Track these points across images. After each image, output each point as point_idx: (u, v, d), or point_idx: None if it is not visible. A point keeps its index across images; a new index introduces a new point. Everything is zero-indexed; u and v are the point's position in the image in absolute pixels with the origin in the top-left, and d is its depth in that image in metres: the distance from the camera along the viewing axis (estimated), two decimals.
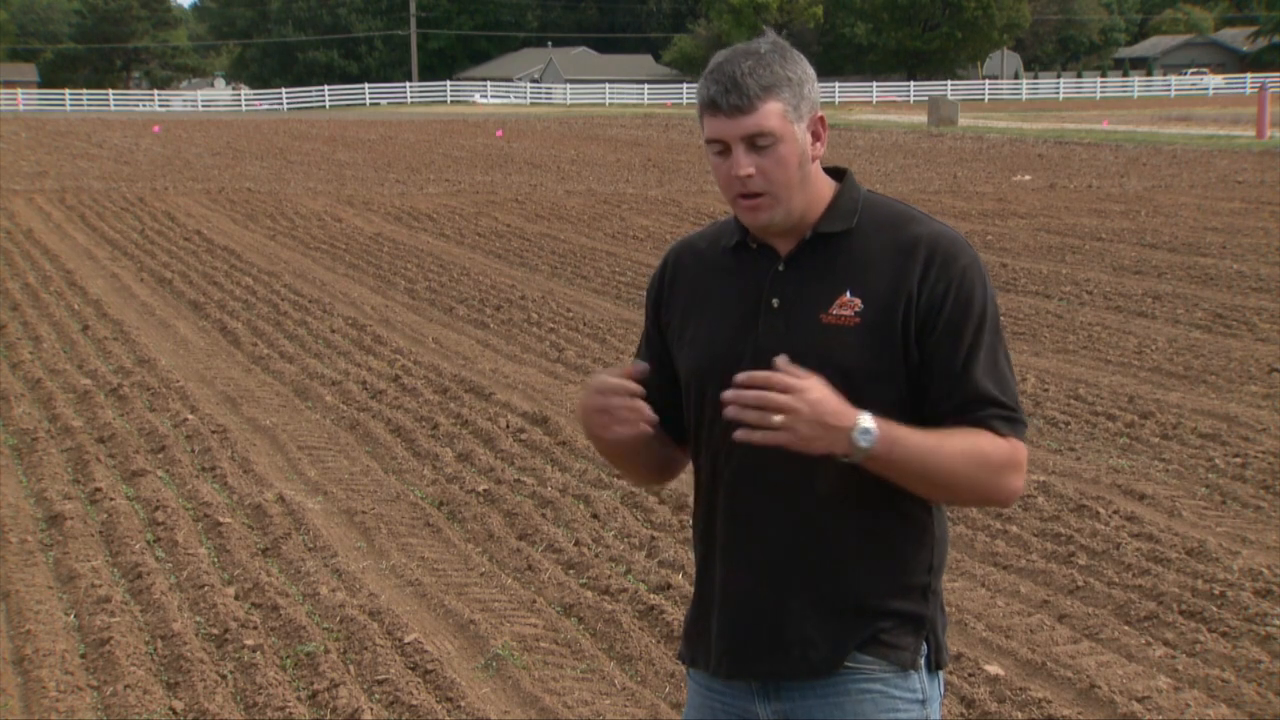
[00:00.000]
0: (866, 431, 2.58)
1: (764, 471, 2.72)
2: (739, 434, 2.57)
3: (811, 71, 2.74)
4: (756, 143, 2.68)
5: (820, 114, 2.75)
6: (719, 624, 2.82)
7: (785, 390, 2.54)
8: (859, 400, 2.63)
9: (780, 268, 2.77)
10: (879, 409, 2.66)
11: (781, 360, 2.57)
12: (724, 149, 2.70)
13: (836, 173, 2.83)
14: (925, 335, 2.69)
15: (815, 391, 2.55)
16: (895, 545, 2.75)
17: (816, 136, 2.75)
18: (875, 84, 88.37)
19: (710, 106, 2.69)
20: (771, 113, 2.67)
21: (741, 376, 2.56)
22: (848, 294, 2.71)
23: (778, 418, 2.53)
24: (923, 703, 2.78)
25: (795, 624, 2.74)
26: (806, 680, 2.75)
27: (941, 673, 2.84)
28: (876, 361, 2.69)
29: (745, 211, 2.74)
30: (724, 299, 2.81)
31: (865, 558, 2.74)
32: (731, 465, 2.77)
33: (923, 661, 2.78)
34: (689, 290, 2.88)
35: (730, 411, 2.56)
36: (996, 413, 2.69)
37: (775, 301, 2.75)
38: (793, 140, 2.70)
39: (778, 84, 2.67)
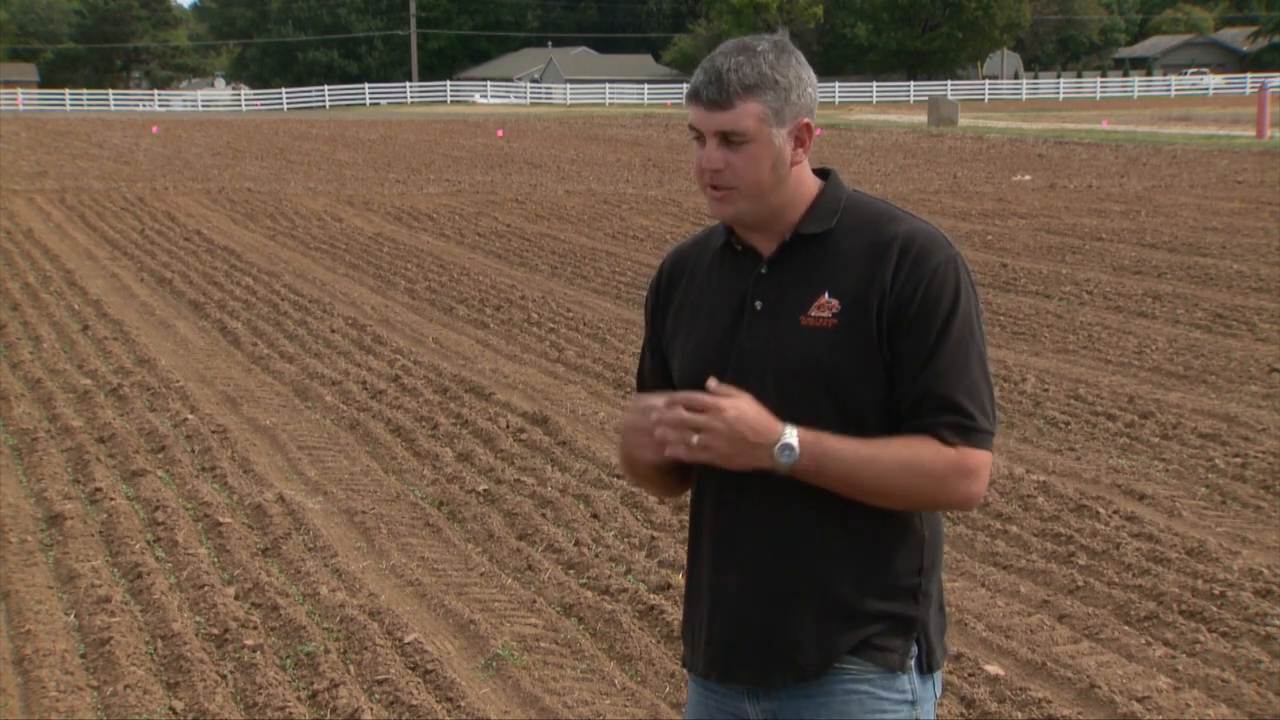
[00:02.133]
0: (788, 449, 2.61)
1: (751, 476, 2.70)
2: (668, 450, 2.63)
3: (808, 76, 2.71)
4: (729, 139, 2.68)
5: (807, 121, 2.72)
6: (709, 628, 2.82)
7: (701, 410, 2.59)
8: (840, 402, 2.65)
9: (763, 270, 2.77)
10: (861, 410, 2.66)
11: (711, 382, 2.62)
12: (700, 137, 2.73)
13: (822, 173, 2.82)
14: (895, 333, 2.67)
15: (733, 410, 2.59)
16: (882, 548, 2.73)
17: (800, 143, 2.73)
18: (875, 84, 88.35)
19: (692, 96, 2.72)
20: (748, 113, 2.66)
21: (665, 399, 2.62)
22: (826, 295, 2.70)
23: (695, 437, 2.59)
24: (912, 703, 2.76)
25: (783, 628, 2.74)
26: (794, 683, 2.75)
27: (937, 673, 2.82)
28: (855, 362, 2.67)
29: (712, 201, 2.76)
30: (712, 303, 2.82)
31: (852, 561, 2.72)
32: (719, 469, 2.74)
33: (912, 663, 2.76)
34: (682, 297, 2.88)
35: (657, 433, 2.62)
36: (949, 420, 2.65)
37: (758, 304, 2.75)
38: (767, 143, 2.68)
39: (762, 85, 2.66)
